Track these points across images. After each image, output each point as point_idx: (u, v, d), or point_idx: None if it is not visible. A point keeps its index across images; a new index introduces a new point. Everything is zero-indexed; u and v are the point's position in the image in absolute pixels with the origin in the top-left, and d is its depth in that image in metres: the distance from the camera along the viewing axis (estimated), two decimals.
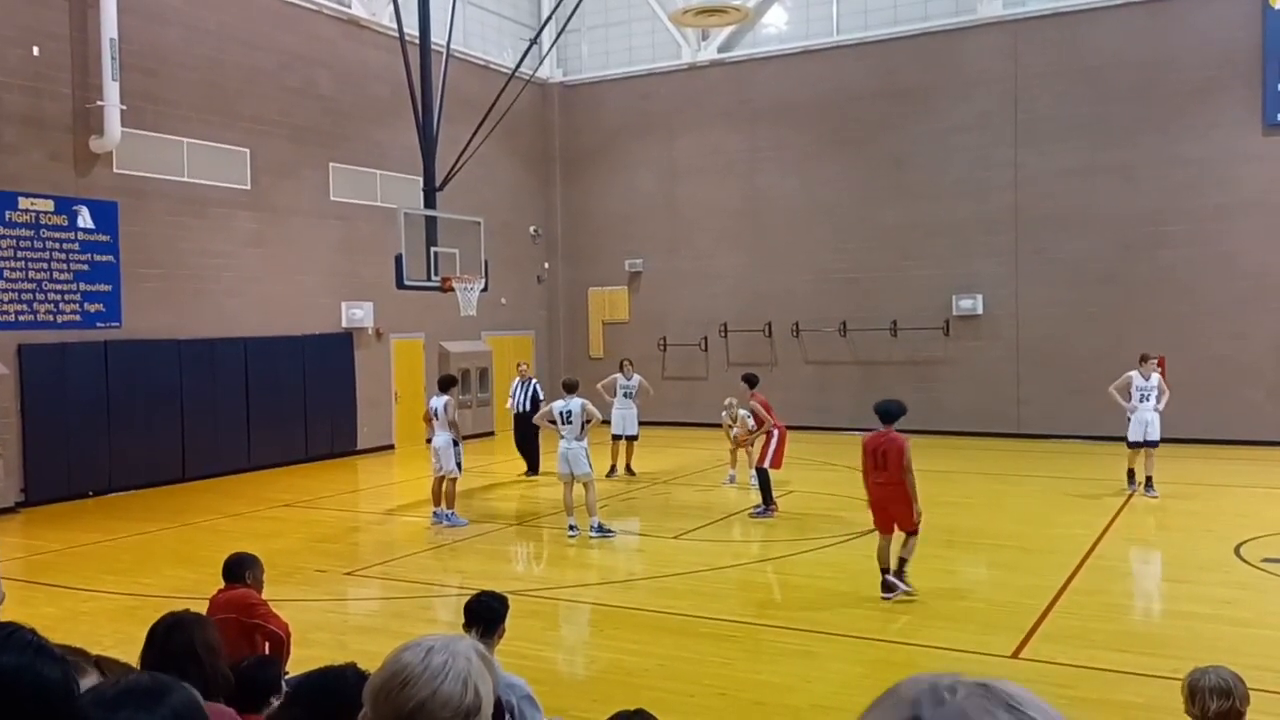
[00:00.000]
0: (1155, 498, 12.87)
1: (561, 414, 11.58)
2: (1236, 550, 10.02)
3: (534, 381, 16.60)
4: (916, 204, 20.28)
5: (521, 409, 15.99)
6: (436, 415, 12.55)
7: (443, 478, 12.36)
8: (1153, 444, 13.16)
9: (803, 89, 21.43)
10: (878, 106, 20.66)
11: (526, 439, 16.08)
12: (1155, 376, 13.22)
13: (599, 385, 16.25)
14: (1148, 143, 18.49)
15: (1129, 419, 13.29)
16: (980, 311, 19.89)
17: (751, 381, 13.22)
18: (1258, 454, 16.80)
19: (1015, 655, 7.15)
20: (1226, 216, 17.91)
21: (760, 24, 22.04)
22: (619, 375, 16.19)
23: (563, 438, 11.57)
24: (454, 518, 12.30)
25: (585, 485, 11.52)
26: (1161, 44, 18.34)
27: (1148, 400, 13.15)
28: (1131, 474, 13.35)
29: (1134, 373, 13.30)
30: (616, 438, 15.83)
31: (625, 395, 15.90)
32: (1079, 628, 7.98)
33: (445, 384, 13.01)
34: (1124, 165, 18.67)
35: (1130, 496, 13.01)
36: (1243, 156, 17.81)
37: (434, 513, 12.46)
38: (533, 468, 16.01)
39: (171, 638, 3.53)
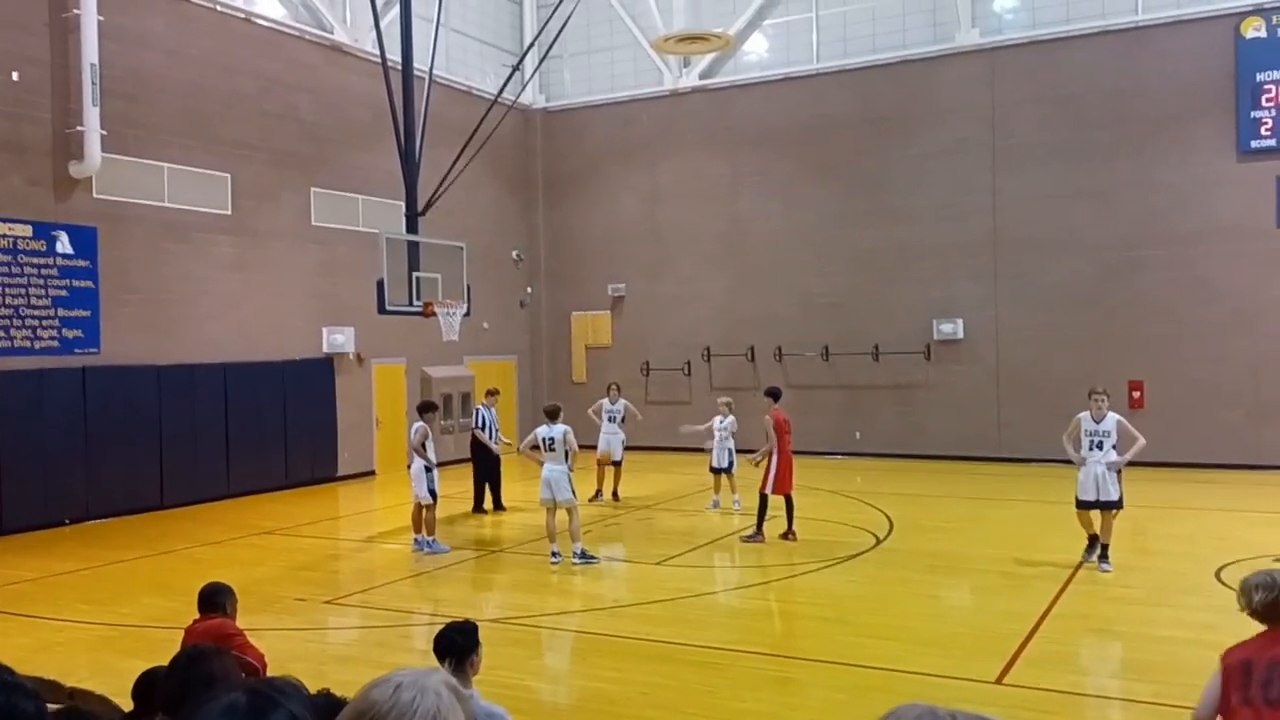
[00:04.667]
0: (1108, 571, 10.28)
1: (545, 440, 11.53)
2: (1217, 574, 10.05)
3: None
4: (897, 229, 20.43)
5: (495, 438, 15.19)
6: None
7: (419, 505, 12.29)
8: (1109, 505, 10.41)
9: (784, 115, 21.59)
10: (858, 132, 20.84)
11: (492, 470, 15.17)
12: (1112, 418, 10.50)
13: (589, 411, 16.23)
14: (1124, 168, 18.71)
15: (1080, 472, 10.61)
16: (961, 335, 20.00)
17: (775, 395, 13.06)
18: (1237, 477, 16.91)
19: (999, 681, 7.14)
20: (1203, 241, 18.11)
21: (741, 51, 22.22)
22: (605, 399, 16.18)
23: (545, 463, 11.50)
24: (435, 545, 12.20)
25: (568, 511, 11.45)
26: (1136, 71, 18.60)
27: (1098, 449, 10.42)
28: (1092, 541, 10.59)
29: (1083, 414, 10.59)
30: (602, 463, 15.80)
31: (610, 419, 15.88)
32: (1062, 653, 7.99)
33: (422, 409, 12.93)
34: (1101, 190, 18.87)
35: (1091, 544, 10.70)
36: (1217, 182, 18.04)
37: (414, 540, 12.37)
38: (496, 503, 15.10)
39: (191, 671, 3.47)
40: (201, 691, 3.31)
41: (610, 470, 15.81)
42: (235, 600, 5.80)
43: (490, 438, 15.11)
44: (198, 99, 16.51)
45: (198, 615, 5.72)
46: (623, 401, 16.15)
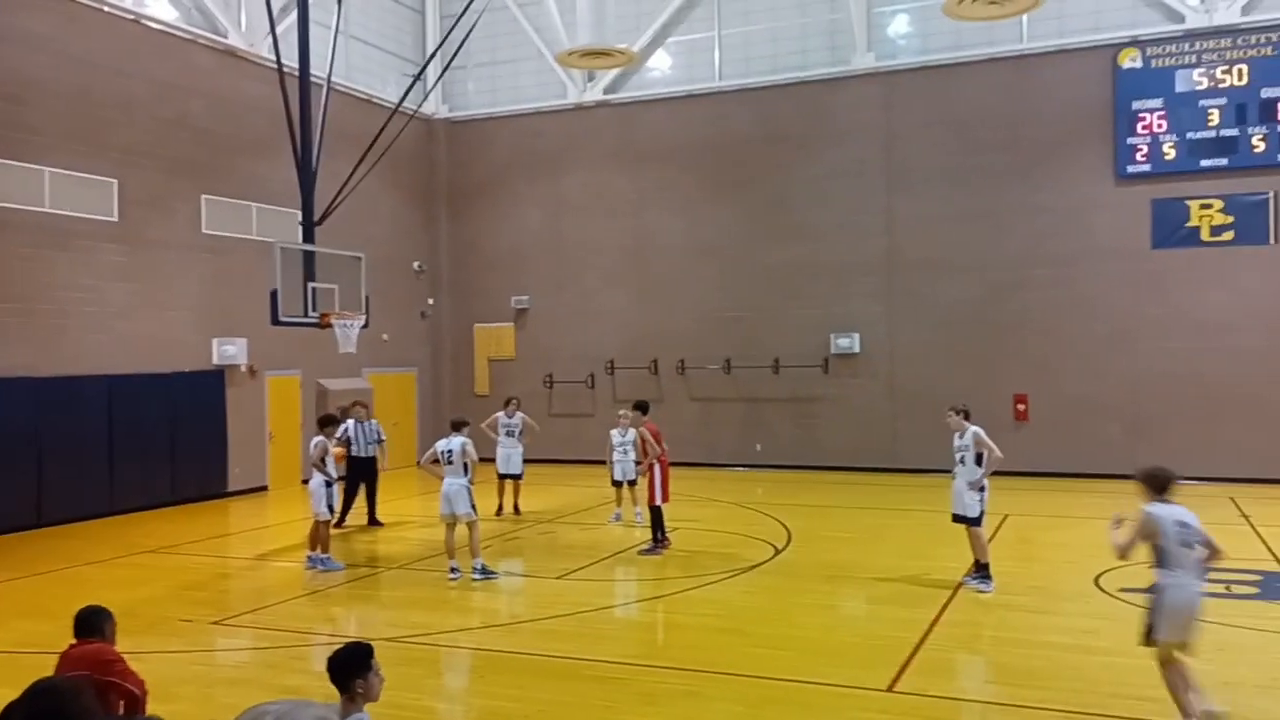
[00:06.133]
0: (987, 592, 10.11)
1: (443, 454, 11.38)
2: (1096, 581, 10.48)
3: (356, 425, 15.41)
4: (797, 246, 20.83)
5: (367, 452, 15.14)
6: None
7: (318, 521, 12.05)
8: (965, 521, 10.33)
9: (687, 131, 21.84)
10: (759, 150, 21.20)
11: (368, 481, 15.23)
12: (971, 432, 10.32)
13: (483, 424, 16.05)
14: (1011, 191, 19.45)
15: None
16: (857, 350, 20.48)
17: (643, 408, 13.30)
18: (1115, 487, 17.59)
19: (890, 689, 7.30)
20: (1084, 262, 18.93)
21: (645, 68, 22.41)
22: (501, 413, 16.02)
23: (444, 478, 11.36)
24: (329, 562, 11.94)
25: (468, 526, 11.31)
26: (1024, 98, 19.37)
27: (961, 464, 10.37)
28: (977, 564, 10.44)
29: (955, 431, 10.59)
30: (501, 477, 15.69)
31: (508, 434, 15.77)
32: (949, 660, 8.22)
33: (322, 423, 12.75)
34: (990, 212, 19.57)
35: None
36: (1098, 205, 18.88)
37: (308, 557, 12.07)
38: (371, 517, 15.05)
39: (38, 705, 3.22)
40: None
41: (510, 484, 15.70)
42: (114, 624, 5.55)
43: (355, 447, 15.02)
44: (85, 102, 15.89)
45: (73, 640, 5.47)
46: (520, 415, 16.01)
